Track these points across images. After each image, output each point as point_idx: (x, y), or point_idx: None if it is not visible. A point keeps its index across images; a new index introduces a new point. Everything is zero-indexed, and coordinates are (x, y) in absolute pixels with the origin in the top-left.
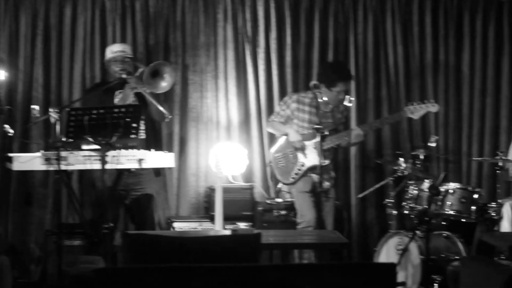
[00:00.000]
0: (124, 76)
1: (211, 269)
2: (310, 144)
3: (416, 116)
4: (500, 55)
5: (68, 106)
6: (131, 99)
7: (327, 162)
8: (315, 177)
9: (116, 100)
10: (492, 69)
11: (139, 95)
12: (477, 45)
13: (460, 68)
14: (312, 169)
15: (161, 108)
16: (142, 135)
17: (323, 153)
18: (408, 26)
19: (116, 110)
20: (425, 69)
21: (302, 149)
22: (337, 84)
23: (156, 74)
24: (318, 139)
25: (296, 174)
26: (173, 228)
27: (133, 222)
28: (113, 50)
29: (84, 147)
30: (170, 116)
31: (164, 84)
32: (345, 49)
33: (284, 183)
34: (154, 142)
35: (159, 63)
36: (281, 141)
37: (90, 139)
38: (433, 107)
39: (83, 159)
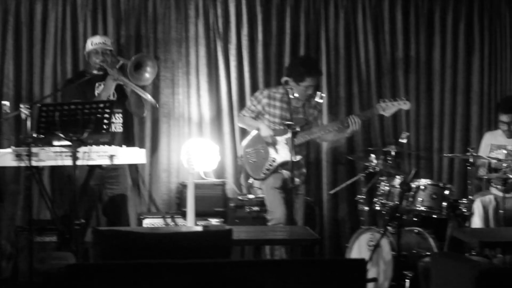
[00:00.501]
0: (105, 67)
1: (181, 265)
2: (281, 140)
3: (387, 113)
4: (470, 53)
5: (40, 101)
6: (112, 91)
7: (298, 158)
8: (286, 173)
9: (97, 92)
10: (463, 66)
11: (117, 89)
12: (448, 42)
13: (431, 65)
14: (283, 165)
15: (149, 97)
16: (120, 129)
17: (294, 149)
18: (379, 23)
19: (87, 106)
20: (396, 66)
21: (274, 144)
22: (305, 79)
23: (139, 66)
24: (289, 135)
25: (267, 170)
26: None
27: (107, 218)
28: (94, 41)
29: (55, 143)
30: (157, 105)
31: (148, 76)
32: (316, 46)
33: (255, 179)
34: (127, 138)
35: (141, 55)
36: (252, 135)
37: (61, 135)
38: (404, 105)
39: (54, 155)
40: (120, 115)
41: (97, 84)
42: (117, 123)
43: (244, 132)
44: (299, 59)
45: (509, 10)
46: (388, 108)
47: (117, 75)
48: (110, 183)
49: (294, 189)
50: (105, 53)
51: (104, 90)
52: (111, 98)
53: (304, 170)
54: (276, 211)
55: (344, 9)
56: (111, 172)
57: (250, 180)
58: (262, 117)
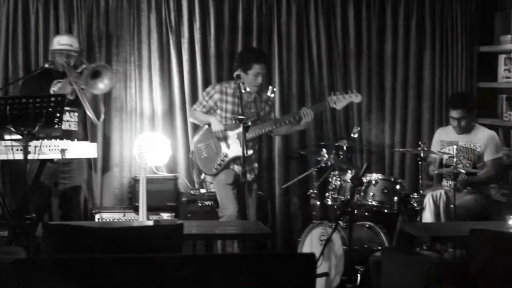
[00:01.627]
0: (66, 71)
1: (131, 260)
2: (232, 135)
3: (339, 106)
4: (422, 48)
5: None
6: (67, 91)
7: (250, 153)
8: (237, 168)
9: (53, 89)
10: (414, 61)
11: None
12: (399, 38)
13: (383, 60)
14: (235, 160)
15: (88, 112)
16: (75, 127)
17: (246, 144)
18: (331, 18)
19: (38, 100)
20: (348, 60)
21: (225, 138)
22: (252, 66)
23: (96, 75)
24: (241, 129)
25: (219, 165)
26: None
27: (62, 212)
28: (61, 42)
29: (6, 137)
30: (98, 122)
31: (102, 87)
32: (269, 40)
33: (206, 174)
34: (82, 136)
35: (101, 65)
36: (203, 130)
37: (12, 129)
38: (356, 98)
39: (4, 149)
40: (76, 113)
41: (54, 81)
42: (72, 121)
43: (196, 127)
44: (245, 48)
45: (459, 7)
46: (339, 101)
47: (74, 79)
48: (62, 177)
49: (247, 184)
50: (69, 55)
51: (60, 90)
52: (69, 97)
53: (256, 165)
54: (228, 207)
55: (297, 4)
56: (64, 166)
57: (202, 175)
58: (214, 112)
